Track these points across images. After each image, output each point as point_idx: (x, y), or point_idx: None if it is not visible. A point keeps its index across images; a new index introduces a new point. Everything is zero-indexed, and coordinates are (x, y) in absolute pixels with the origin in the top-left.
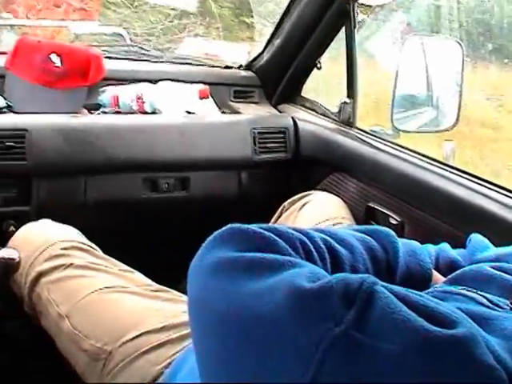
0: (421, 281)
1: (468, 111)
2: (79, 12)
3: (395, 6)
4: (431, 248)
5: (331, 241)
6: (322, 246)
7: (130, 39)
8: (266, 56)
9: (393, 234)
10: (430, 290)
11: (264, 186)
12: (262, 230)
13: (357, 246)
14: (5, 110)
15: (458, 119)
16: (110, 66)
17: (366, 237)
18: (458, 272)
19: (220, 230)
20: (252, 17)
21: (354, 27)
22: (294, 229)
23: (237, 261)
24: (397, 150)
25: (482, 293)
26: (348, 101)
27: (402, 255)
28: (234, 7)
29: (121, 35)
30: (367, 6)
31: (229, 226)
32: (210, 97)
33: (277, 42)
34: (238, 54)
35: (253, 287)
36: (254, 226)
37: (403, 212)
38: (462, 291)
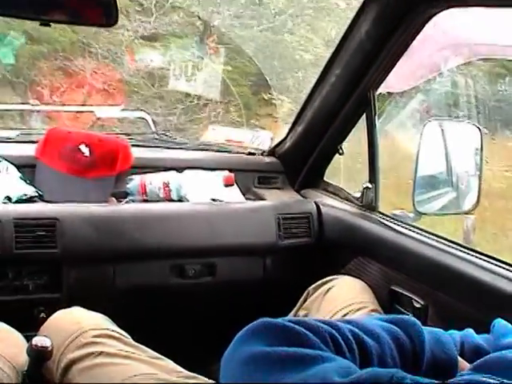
0: (447, 369)
1: (487, 183)
2: (102, 93)
3: (414, 91)
4: (456, 334)
5: (359, 332)
6: (351, 337)
7: (153, 120)
8: (288, 142)
9: (419, 324)
10: (455, 378)
11: (288, 270)
12: (292, 325)
13: (384, 336)
14: (36, 198)
15: (478, 200)
16: (137, 154)
17: (393, 326)
18: (483, 359)
19: (252, 324)
20: (270, 93)
21: (375, 114)
22: (323, 321)
23: (269, 355)
24: (419, 233)
25: (506, 381)
26: (370, 186)
27: (427, 344)
28: (252, 84)
29: (144, 119)
30: (387, 93)
31: (260, 319)
32: (235, 183)
33: (299, 128)
34: (260, 140)
35: (285, 382)
36: (284, 320)
37: (427, 295)
38: (487, 380)
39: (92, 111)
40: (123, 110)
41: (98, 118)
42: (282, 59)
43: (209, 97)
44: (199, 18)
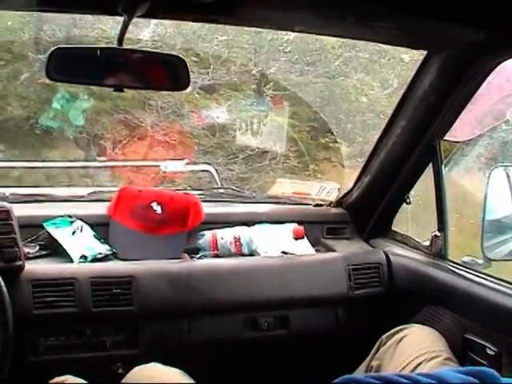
0: None
1: None
2: (163, 145)
3: (480, 139)
4: None
5: None
6: None
7: (216, 170)
8: (355, 193)
9: (497, 376)
10: None
11: (360, 320)
12: (375, 381)
13: None
14: (110, 256)
15: None
16: (207, 209)
17: (472, 379)
18: None
19: (335, 381)
20: (328, 138)
21: (441, 163)
22: (403, 376)
23: None
24: (490, 280)
25: None
26: (439, 234)
27: None
28: (310, 130)
29: (208, 171)
30: (454, 142)
31: (342, 377)
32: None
33: (366, 179)
34: (327, 191)
35: None
36: (367, 377)
37: (500, 342)
38: None
39: (158, 165)
40: (188, 163)
41: (164, 173)
42: (339, 103)
43: (274, 149)
44: (255, 65)
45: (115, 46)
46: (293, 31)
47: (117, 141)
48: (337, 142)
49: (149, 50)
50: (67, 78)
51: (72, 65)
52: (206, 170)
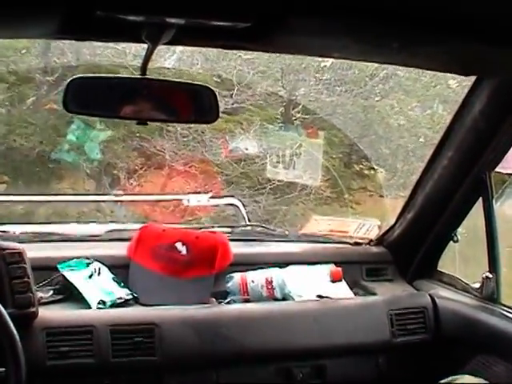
0: None
1: None
2: (183, 175)
3: None
4: None
5: None
6: None
7: (243, 203)
8: (397, 230)
9: None
10: None
11: (404, 369)
12: None
13: None
14: (131, 301)
15: None
16: (236, 249)
17: None
18: None
19: None
20: (362, 164)
21: (492, 197)
22: None
23: None
24: None
25: None
26: (490, 275)
27: None
28: (343, 156)
29: (235, 205)
30: (506, 174)
31: None
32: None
33: (409, 215)
34: (367, 228)
35: None
36: None
37: None
38: None
39: (179, 199)
40: (212, 197)
41: (186, 207)
42: (375, 126)
43: (307, 181)
44: (284, 87)
45: (138, 75)
46: (331, 58)
47: (133, 171)
48: (373, 169)
49: (174, 80)
50: (86, 111)
51: (91, 96)
52: (232, 204)
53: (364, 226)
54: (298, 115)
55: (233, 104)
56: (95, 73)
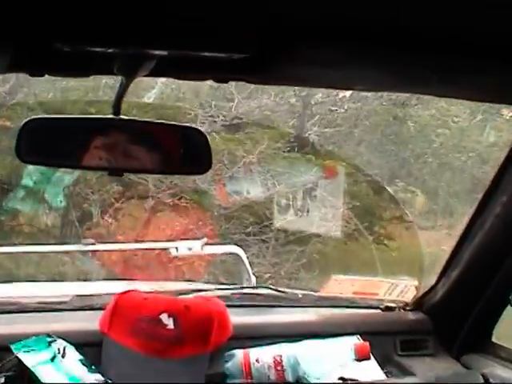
0: None
1: None
2: (170, 210)
3: None
4: None
5: None
6: None
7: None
8: (440, 291)
9: None
10: None
11: None
12: None
13: None
14: None
15: None
16: (236, 319)
17: None
18: None
19: None
20: (396, 186)
21: None
22: None
23: None
24: None
25: None
26: None
27: None
28: (370, 180)
29: (236, 254)
30: None
31: None
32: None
33: (454, 273)
34: (400, 289)
35: None
36: None
37: None
38: None
39: (165, 249)
40: (207, 244)
41: (174, 258)
42: (411, 140)
43: (327, 232)
44: (295, 94)
45: (109, 114)
46: (350, 90)
47: (108, 204)
48: (410, 193)
49: (158, 121)
50: (45, 160)
51: (52, 141)
52: (233, 253)
53: (398, 287)
54: (315, 129)
55: (233, 119)
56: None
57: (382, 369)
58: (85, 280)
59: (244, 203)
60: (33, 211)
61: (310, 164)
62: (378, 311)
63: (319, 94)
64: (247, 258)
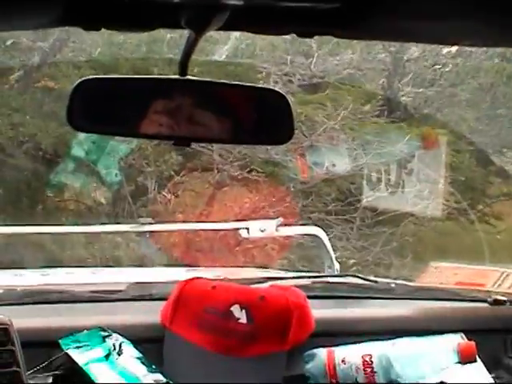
0: None
1: None
2: (240, 184)
3: None
4: None
5: None
6: None
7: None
8: None
9: None
10: None
11: None
12: None
13: None
14: None
15: None
16: (318, 312)
17: None
18: None
19: None
20: (505, 157)
21: None
22: None
23: None
24: None
25: None
26: None
27: None
28: (473, 150)
29: (316, 236)
30: None
31: None
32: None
33: None
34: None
35: None
36: None
37: None
38: None
39: (234, 229)
40: (282, 224)
41: (244, 240)
42: None
43: (424, 213)
44: (385, 49)
45: (176, 76)
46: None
47: (166, 178)
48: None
49: (230, 82)
50: (102, 128)
51: (108, 106)
52: (313, 234)
53: (509, 277)
54: (408, 89)
55: (311, 78)
56: (111, 72)
57: (490, 373)
58: (142, 266)
59: (325, 177)
60: (82, 186)
61: (403, 131)
62: (486, 305)
63: (413, 47)
64: (329, 240)
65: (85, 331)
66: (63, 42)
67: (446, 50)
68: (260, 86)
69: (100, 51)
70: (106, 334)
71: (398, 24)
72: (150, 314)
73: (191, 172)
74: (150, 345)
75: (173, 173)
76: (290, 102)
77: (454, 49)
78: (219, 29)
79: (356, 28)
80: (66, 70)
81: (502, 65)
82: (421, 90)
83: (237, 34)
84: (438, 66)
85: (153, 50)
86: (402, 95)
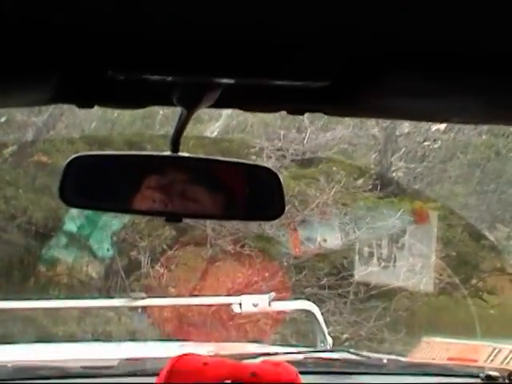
0: None
1: None
2: (233, 258)
3: None
4: None
5: None
6: None
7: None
8: None
9: None
10: None
11: None
12: None
13: None
14: None
15: None
16: None
17: None
18: None
19: None
20: (499, 232)
21: None
22: None
23: None
24: None
25: None
26: None
27: None
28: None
29: (309, 311)
30: None
31: None
32: None
33: None
34: (504, 355)
35: None
36: None
37: None
38: None
39: (226, 304)
40: (275, 299)
41: (236, 315)
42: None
43: (417, 288)
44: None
45: (168, 152)
46: (444, 123)
47: (159, 252)
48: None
49: (222, 158)
50: (93, 203)
51: (100, 182)
52: (307, 310)
53: (501, 352)
54: (401, 164)
55: (305, 153)
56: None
57: None
58: (134, 340)
59: (318, 251)
60: (75, 260)
61: (395, 206)
62: (478, 381)
63: (405, 123)
64: (322, 315)
65: None
66: (57, 118)
67: (436, 126)
68: (251, 162)
69: (94, 126)
70: None
71: (387, 102)
72: None
73: (184, 246)
74: None
75: (166, 247)
76: (280, 179)
77: (444, 125)
78: (211, 106)
79: (346, 106)
80: (60, 146)
81: (490, 140)
82: (413, 165)
83: (228, 110)
84: (427, 143)
85: (147, 124)
86: (394, 170)
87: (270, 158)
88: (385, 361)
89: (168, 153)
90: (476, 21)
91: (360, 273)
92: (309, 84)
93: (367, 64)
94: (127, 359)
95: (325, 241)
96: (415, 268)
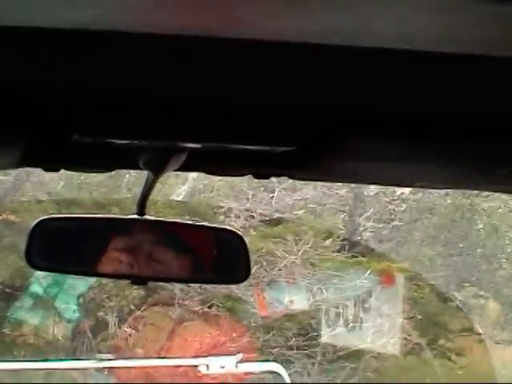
0: None
1: None
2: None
3: None
4: None
5: None
6: None
7: (290, 374)
8: None
9: None
10: None
11: None
12: None
13: None
14: None
15: None
16: None
17: None
18: None
19: None
20: (465, 292)
21: None
22: None
23: None
24: None
25: None
26: None
27: None
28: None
29: (276, 373)
30: None
31: None
32: None
33: None
34: None
35: None
36: None
37: None
38: None
39: (194, 366)
40: (242, 360)
41: (204, 377)
42: (483, 236)
43: (384, 349)
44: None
45: (134, 215)
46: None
47: (126, 312)
48: (482, 300)
49: (188, 222)
50: (59, 266)
51: (66, 245)
52: (273, 371)
53: None
54: (369, 224)
55: (273, 213)
56: (72, 206)
57: None
58: None
59: (286, 312)
60: (40, 321)
61: (363, 267)
62: None
63: (373, 188)
64: (290, 376)
65: None
66: (24, 178)
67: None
68: (217, 226)
69: (62, 185)
70: None
71: (353, 166)
72: None
73: (152, 306)
74: None
75: (133, 307)
76: (246, 242)
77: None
78: (177, 170)
79: (312, 170)
80: (28, 205)
81: (455, 202)
82: (381, 225)
83: (195, 174)
84: (395, 203)
85: (114, 185)
86: (363, 230)
87: (239, 217)
88: None
89: (135, 215)
90: (435, 88)
91: (327, 333)
92: (274, 149)
93: (331, 129)
94: None
95: (291, 302)
96: (383, 329)
